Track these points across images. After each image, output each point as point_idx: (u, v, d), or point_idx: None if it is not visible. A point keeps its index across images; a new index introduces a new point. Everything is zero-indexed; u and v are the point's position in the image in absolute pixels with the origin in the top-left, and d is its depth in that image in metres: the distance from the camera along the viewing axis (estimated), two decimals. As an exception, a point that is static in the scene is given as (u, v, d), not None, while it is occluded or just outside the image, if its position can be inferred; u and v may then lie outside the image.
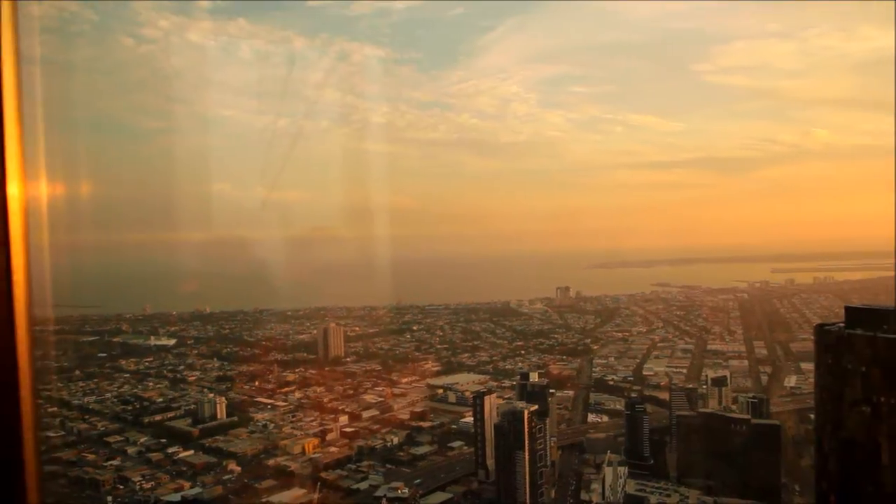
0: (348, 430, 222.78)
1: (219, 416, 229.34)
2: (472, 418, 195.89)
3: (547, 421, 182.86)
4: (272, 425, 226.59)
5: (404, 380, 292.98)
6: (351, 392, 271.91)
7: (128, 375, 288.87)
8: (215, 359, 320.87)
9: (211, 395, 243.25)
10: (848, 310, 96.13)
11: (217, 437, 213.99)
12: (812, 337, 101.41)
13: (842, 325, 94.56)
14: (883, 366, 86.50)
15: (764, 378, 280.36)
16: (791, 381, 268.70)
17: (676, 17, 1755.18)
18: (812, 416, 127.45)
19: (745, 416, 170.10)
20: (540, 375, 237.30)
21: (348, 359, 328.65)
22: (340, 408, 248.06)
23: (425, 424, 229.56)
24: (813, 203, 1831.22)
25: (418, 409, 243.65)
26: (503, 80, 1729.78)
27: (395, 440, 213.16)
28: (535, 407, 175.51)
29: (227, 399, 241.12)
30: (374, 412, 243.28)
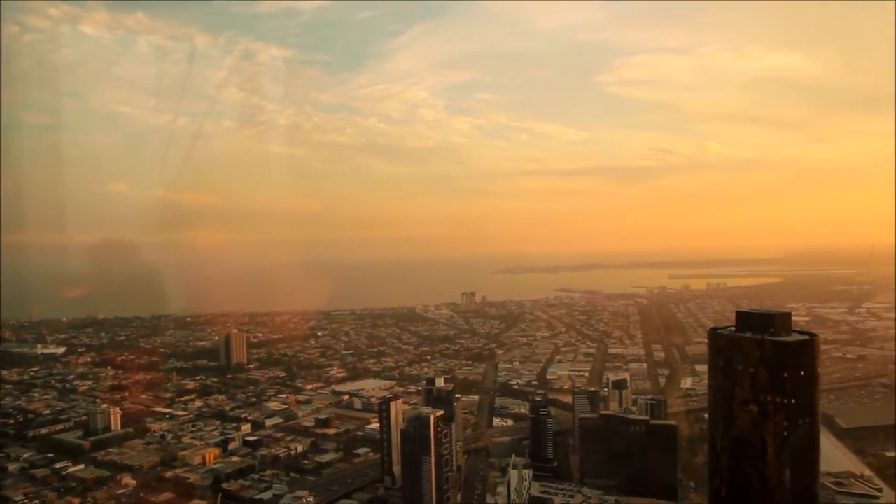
0: (251, 438, 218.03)
1: (112, 427, 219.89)
2: (378, 424, 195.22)
3: (453, 426, 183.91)
4: (171, 436, 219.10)
5: (309, 387, 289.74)
6: (254, 400, 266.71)
7: (10, 387, 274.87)
8: (109, 367, 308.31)
9: (104, 406, 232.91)
10: (738, 314, 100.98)
11: (110, 450, 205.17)
12: (706, 340, 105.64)
13: (733, 328, 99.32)
14: (769, 367, 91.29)
15: (662, 380, 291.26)
16: (687, 382, 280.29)
17: (581, 29, 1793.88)
18: (706, 415, 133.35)
19: (644, 418, 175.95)
20: (446, 380, 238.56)
21: (251, 366, 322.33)
22: (243, 416, 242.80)
23: (331, 431, 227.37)
24: (707, 212, 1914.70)
25: (323, 416, 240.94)
26: (411, 85, 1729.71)
27: (300, 448, 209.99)
28: (441, 412, 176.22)
29: (121, 409, 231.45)
30: (278, 420, 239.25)
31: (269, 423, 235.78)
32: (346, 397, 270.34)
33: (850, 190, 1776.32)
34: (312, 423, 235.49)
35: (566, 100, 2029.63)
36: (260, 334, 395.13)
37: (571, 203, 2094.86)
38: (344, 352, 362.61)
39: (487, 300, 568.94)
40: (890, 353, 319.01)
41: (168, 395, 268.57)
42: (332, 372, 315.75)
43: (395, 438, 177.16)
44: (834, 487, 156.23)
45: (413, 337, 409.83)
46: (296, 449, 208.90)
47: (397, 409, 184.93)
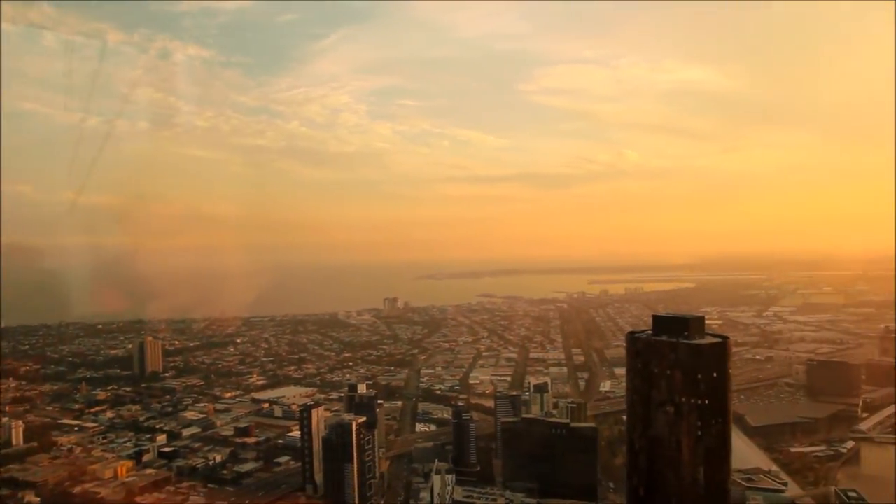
0: (167, 449, 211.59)
1: (14, 442, 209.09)
2: (299, 432, 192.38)
3: (375, 432, 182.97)
4: (79, 449, 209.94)
5: (228, 395, 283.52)
6: (170, 409, 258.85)
7: None
8: (11, 378, 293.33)
9: (4, 420, 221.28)
10: (655, 318, 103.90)
11: (12, 466, 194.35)
12: (624, 344, 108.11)
13: (650, 332, 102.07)
14: (684, 369, 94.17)
15: (582, 384, 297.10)
16: (606, 385, 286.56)
17: (504, 38, 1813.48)
18: (624, 417, 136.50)
19: (565, 421, 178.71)
20: (368, 387, 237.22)
21: (167, 374, 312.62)
22: (158, 426, 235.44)
23: (250, 440, 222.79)
24: (625, 219, 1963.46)
25: (243, 425, 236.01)
26: (334, 89, 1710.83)
27: (219, 458, 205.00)
28: (364, 419, 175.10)
29: (24, 423, 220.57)
30: (195, 430, 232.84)
31: (185, 433, 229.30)
32: (266, 405, 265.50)
33: (757, 199, 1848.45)
34: (231, 432, 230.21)
35: (488, 107, 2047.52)
36: (176, 342, 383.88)
37: (493, 209, 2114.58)
38: (264, 359, 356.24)
39: (410, 306, 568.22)
40: (795, 354, 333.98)
41: (77, 407, 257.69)
42: (251, 379, 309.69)
43: (317, 446, 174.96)
44: (744, 483, 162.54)
45: (335, 343, 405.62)
46: (214, 459, 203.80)
47: (319, 417, 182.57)
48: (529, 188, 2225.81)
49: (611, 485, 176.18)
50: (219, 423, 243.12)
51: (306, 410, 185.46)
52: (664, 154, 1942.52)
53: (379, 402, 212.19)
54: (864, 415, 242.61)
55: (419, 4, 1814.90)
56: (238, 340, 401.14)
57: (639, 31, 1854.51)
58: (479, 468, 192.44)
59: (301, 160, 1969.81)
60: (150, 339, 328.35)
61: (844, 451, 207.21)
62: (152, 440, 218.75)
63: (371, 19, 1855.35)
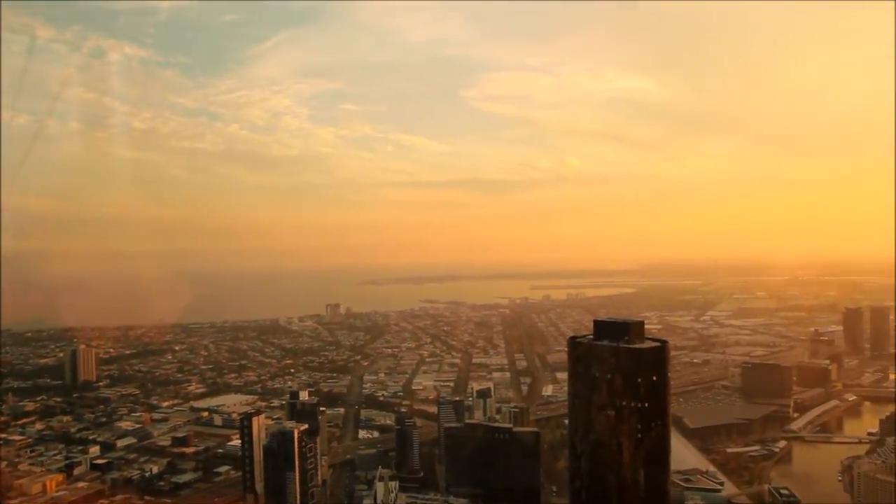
0: (100, 461, 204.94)
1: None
2: (239, 441, 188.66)
3: (318, 439, 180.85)
4: (4, 463, 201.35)
5: (165, 403, 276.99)
6: (104, 420, 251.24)
7: None
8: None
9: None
10: (596, 323, 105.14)
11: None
12: (566, 348, 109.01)
13: (591, 337, 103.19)
14: (625, 373, 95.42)
15: (524, 388, 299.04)
16: (548, 390, 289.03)
17: (447, 43, 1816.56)
18: (566, 421, 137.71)
19: (508, 426, 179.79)
20: (310, 394, 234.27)
21: (101, 383, 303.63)
22: (91, 437, 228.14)
23: (189, 450, 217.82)
24: (567, 225, 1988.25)
25: (181, 435, 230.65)
26: (275, 92, 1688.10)
27: (155, 469, 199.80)
28: (306, 426, 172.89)
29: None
30: (130, 440, 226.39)
31: (120, 444, 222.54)
32: (205, 414, 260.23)
33: (694, 206, 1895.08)
34: (169, 442, 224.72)
35: (432, 112, 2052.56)
36: (111, 350, 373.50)
37: (436, 215, 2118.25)
38: (203, 366, 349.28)
39: (352, 311, 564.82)
40: (731, 357, 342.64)
41: (2, 419, 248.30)
42: (190, 388, 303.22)
43: (258, 454, 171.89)
44: (683, 484, 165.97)
45: (276, 350, 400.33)
46: (150, 470, 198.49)
47: (260, 425, 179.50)
48: (472, 194, 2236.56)
49: (553, 488, 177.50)
50: (156, 432, 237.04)
51: (247, 418, 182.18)
52: (605, 161, 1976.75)
53: (321, 409, 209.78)
54: (796, 415, 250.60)
55: (363, 8, 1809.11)
56: (176, 348, 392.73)
57: (581, 39, 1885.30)
58: (422, 474, 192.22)
59: (242, 164, 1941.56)
60: (82, 346, 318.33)
61: (777, 450, 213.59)
62: (84, 452, 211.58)
63: (313, 22, 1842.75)
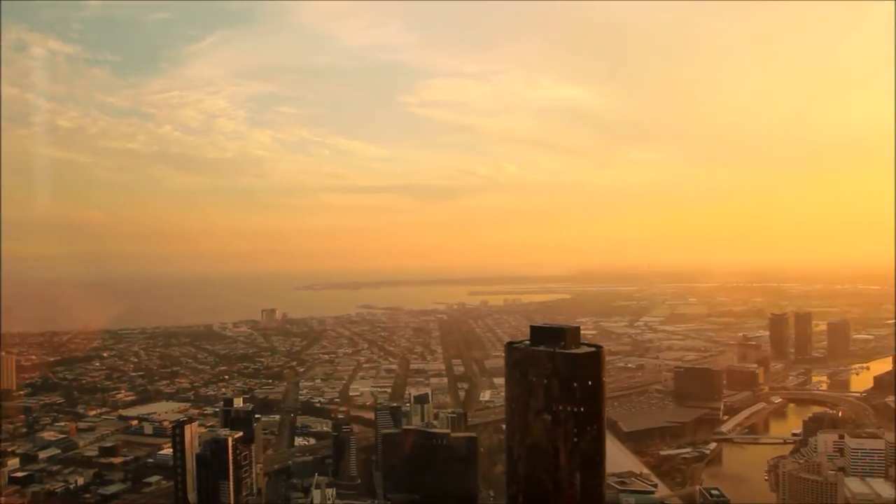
0: (20, 474, 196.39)
1: None
2: (171, 450, 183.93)
3: (253, 447, 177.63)
4: None
5: (92, 412, 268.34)
6: (25, 430, 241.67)
7: None
8: None
9: None
10: (532, 329, 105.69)
11: None
12: (503, 354, 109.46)
13: (528, 342, 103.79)
14: (561, 378, 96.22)
15: (462, 393, 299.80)
16: (486, 395, 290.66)
17: (385, 49, 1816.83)
18: (504, 426, 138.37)
19: (446, 431, 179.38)
20: (245, 401, 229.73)
21: (22, 392, 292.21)
22: (11, 449, 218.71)
23: (117, 460, 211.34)
24: (504, 231, 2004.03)
25: (108, 444, 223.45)
26: (210, 93, 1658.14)
27: (80, 481, 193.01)
28: (240, 433, 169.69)
29: None
30: (54, 451, 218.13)
31: (42, 455, 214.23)
32: (135, 422, 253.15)
33: (629, 214, 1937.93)
34: (96, 453, 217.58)
35: (369, 117, 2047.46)
36: (33, 357, 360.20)
37: (374, 220, 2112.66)
38: (133, 373, 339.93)
39: (288, 317, 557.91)
40: (664, 361, 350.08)
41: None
42: (119, 395, 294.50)
43: (191, 464, 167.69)
44: (617, 487, 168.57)
45: (210, 356, 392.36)
46: (75, 482, 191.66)
47: (192, 433, 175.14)
48: (410, 199, 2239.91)
49: (491, 493, 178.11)
50: (81, 443, 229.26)
51: (179, 426, 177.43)
52: (541, 169, 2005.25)
53: (256, 416, 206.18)
54: (725, 417, 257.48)
55: (300, 11, 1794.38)
56: (104, 354, 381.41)
57: (518, 48, 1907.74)
58: (359, 481, 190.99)
59: (175, 166, 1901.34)
60: (2, 353, 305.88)
61: (708, 452, 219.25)
62: (2, 465, 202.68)
63: (250, 23, 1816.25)
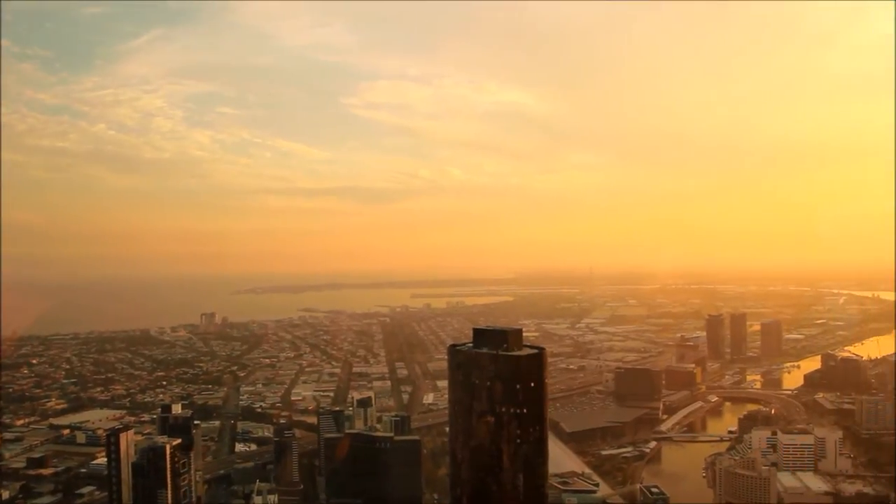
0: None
1: None
2: (105, 459, 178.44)
3: (192, 454, 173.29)
4: None
5: (20, 422, 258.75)
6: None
7: None
8: None
9: None
10: (475, 331, 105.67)
11: None
12: (446, 356, 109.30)
13: (471, 344, 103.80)
14: (504, 380, 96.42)
15: (405, 397, 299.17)
16: (429, 398, 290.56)
17: (328, 50, 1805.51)
18: (447, 429, 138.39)
19: (389, 435, 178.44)
20: (184, 407, 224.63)
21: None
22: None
23: (47, 471, 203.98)
24: (447, 234, 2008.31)
25: (38, 455, 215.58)
26: (147, 92, 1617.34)
27: (6, 494, 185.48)
28: (179, 440, 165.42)
29: None
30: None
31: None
32: (66, 431, 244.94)
33: (571, 217, 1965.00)
34: (24, 464, 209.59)
35: (311, 119, 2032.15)
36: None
37: (316, 222, 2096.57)
38: (65, 381, 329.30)
39: (229, 321, 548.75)
40: (605, 362, 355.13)
41: None
42: (49, 404, 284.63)
43: (126, 473, 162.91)
44: (560, 487, 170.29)
45: (147, 361, 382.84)
46: (0, 495, 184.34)
47: (128, 441, 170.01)
48: (352, 202, 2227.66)
49: (435, 496, 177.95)
50: (7, 454, 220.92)
51: (114, 435, 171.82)
52: (485, 172, 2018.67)
53: (196, 422, 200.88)
54: (665, 416, 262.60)
55: (241, 9, 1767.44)
56: (33, 361, 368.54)
57: (461, 52, 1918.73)
58: (301, 486, 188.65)
59: (110, 166, 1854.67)
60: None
61: (648, 450, 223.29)
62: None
63: (188, 21, 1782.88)
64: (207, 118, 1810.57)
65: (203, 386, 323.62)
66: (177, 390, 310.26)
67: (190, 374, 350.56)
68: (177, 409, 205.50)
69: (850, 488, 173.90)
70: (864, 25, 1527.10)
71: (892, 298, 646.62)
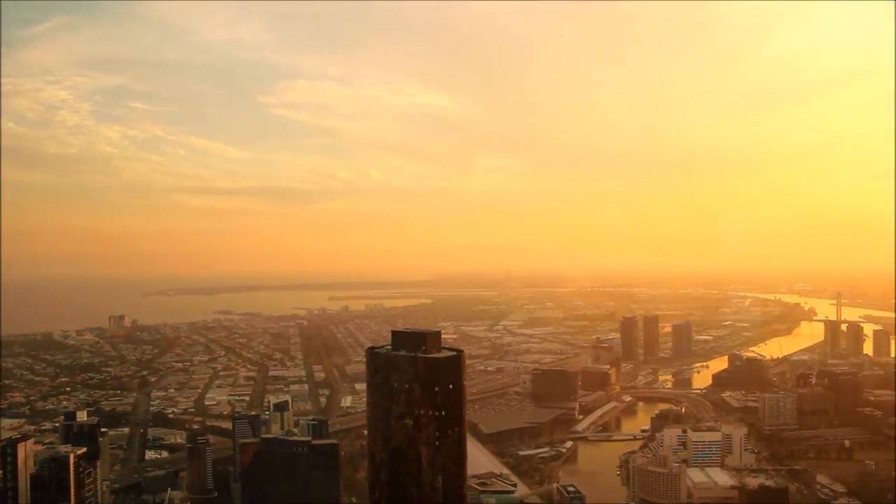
0: None
1: None
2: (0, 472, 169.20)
3: (98, 464, 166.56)
4: None
5: None
6: None
7: None
8: None
9: None
10: (394, 333, 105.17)
11: None
12: (364, 359, 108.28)
13: (389, 347, 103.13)
14: (422, 382, 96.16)
15: (323, 400, 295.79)
16: (347, 401, 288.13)
17: (246, 47, 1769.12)
18: (366, 432, 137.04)
19: (307, 439, 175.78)
20: (89, 414, 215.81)
21: None
22: None
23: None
24: (366, 236, 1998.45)
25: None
26: (50, 83, 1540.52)
27: None
28: (84, 449, 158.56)
29: None
30: None
31: None
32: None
33: (490, 220, 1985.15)
34: None
35: (228, 117, 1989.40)
36: None
37: (233, 223, 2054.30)
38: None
39: (139, 324, 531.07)
40: (522, 364, 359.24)
41: None
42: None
43: (24, 485, 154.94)
44: (478, 488, 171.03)
45: (49, 367, 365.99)
46: None
47: (27, 451, 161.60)
48: (270, 202, 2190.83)
49: (353, 499, 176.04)
50: None
51: (10, 445, 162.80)
52: (404, 174, 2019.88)
53: (102, 429, 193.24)
54: (580, 417, 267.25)
55: (152, 1, 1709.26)
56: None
57: (381, 53, 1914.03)
58: (216, 494, 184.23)
59: (9, 160, 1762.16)
60: None
61: (564, 450, 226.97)
62: None
63: (95, 10, 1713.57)
64: (117, 113, 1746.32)
65: (111, 392, 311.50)
66: (82, 397, 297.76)
67: (96, 379, 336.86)
68: (82, 416, 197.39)
69: (753, 481, 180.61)
70: (775, 39, 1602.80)
71: (793, 301, 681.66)
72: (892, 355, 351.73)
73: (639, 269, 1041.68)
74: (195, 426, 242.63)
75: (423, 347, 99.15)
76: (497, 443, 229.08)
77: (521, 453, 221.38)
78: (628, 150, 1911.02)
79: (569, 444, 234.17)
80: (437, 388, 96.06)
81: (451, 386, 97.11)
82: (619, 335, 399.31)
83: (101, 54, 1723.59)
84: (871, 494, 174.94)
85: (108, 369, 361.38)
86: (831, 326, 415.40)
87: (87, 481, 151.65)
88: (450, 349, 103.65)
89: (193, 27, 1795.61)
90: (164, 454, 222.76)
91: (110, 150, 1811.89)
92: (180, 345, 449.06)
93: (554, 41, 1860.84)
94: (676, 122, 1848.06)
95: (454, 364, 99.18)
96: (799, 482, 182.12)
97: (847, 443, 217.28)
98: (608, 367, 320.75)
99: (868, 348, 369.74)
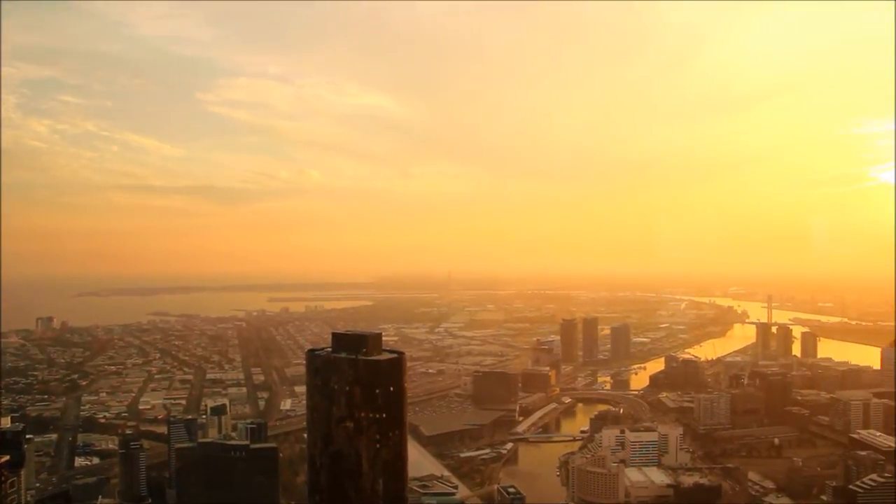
0: None
1: None
2: None
3: (22, 472, 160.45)
4: None
5: None
6: None
7: None
8: None
9: None
10: (334, 335, 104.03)
11: None
12: (304, 361, 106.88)
13: (329, 349, 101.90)
14: (363, 384, 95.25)
15: (262, 403, 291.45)
16: (287, 404, 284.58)
17: (184, 42, 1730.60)
18: (306, 435, 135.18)
19: (245, 443, 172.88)
20: (14, 420, 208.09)
21: None
22: None
23: None
24: (306, 237, 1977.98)
25: None
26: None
27: None
28: (7, 457, 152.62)
29: None
30: None
31: None
32: None
33: (431, 223, 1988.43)
34: None
35: (164, 113, 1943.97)
36: None
37: (169, 222, 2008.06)
38: None
39: (69, 326, 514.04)
40: (463, 366, 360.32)
41: None
42: None
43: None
44: (420, 490, 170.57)
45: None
46: None
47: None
48: (207, 202, 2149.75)
49: (292, 503, 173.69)
50: None
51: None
52: (345, 175, 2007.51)
53: (28, 436, 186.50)
54: (521, 418, 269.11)
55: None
56: None
57: (322, 52, 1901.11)
58: (150, 500, 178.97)
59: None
60: None
61: (505, 452, 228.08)
62: None
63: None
64: (46, 106, 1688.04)
65: (38, 397, 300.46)
66: (6, 402, 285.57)
67: (22, 384, 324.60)
68: (6, 422, 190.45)
69: (688, 480, 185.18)
70: (712, 50, 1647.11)
71: (727, 304, 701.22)
72: (819, 356, 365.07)
73: (578, 273, 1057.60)
74: (128, 431, 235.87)
75: (364, 350, 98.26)
76: (438, 445, 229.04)
77: (462, 455, 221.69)
78: (569, 155, 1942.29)
79: (509, 445, 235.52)
80: (377, 391, 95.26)
81: (391, 388, 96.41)
82: (559, 337, 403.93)
83: (29, 43, 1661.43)
84: (798, 490, 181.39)
85: (35, 373, 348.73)
86: (762, 329, 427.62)
87: (10, 491, 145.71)
88: (391, 351, 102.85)
89: (129, 20, 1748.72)
90: (95, 460, 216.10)
91: (38, 145, 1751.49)
92: (113, 347, 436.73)
93: (497, 45, 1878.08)
94: (617, 128, 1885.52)
95: (395, 366, 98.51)
96: (731, 480, 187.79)
97: (777, 441, 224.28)
98: (548, 369, 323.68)
99: (797, 350, 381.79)
